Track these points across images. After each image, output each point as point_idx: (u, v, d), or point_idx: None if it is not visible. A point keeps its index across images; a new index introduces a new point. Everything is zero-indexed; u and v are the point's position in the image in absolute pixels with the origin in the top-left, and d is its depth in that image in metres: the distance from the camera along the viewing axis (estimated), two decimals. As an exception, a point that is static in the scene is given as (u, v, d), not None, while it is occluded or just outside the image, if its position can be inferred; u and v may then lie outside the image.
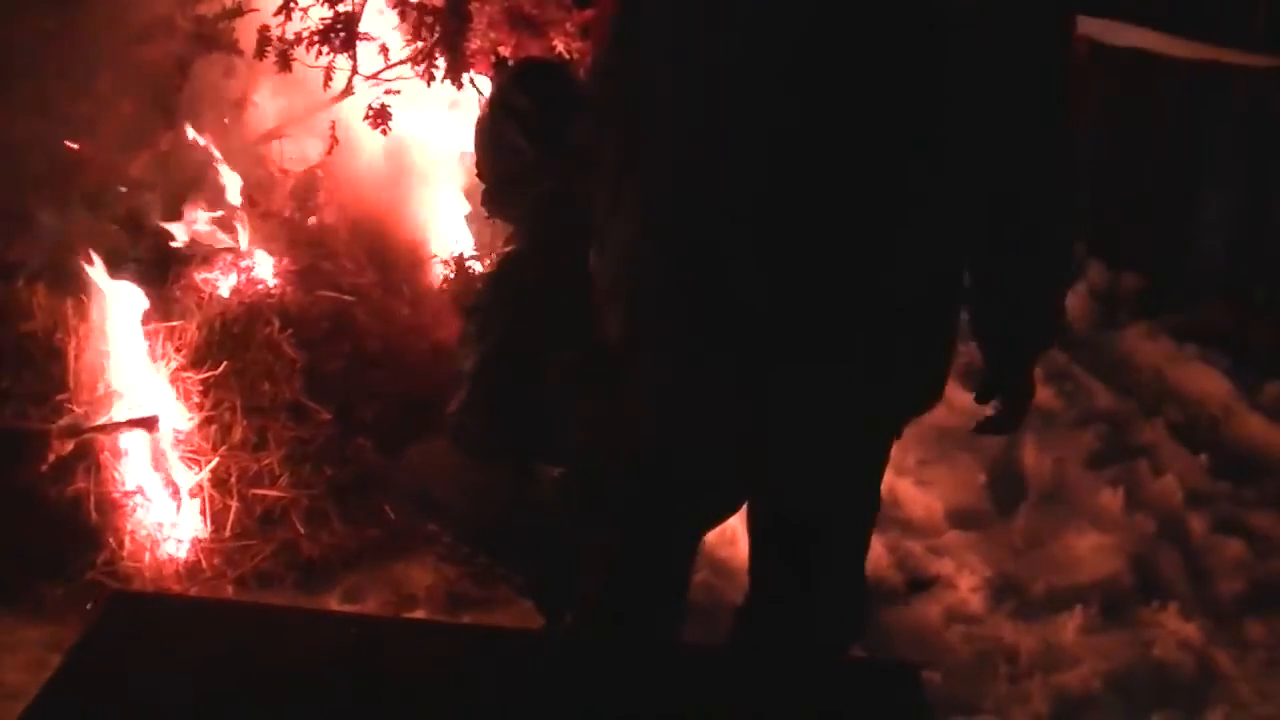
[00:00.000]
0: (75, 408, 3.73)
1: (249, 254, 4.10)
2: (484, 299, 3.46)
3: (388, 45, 4.10)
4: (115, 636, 2.32)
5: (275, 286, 4.08)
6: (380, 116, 3.99)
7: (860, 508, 2.80)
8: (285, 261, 4.13)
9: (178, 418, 3.82)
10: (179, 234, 4.04)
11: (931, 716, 2.26)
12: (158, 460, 3.80)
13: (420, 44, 4.07)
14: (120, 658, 2.26)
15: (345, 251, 4.23)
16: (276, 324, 3.91)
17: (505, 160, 3.41)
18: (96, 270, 3.80)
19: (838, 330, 2.44)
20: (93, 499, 3.70)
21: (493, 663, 2.28)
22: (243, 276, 4.07)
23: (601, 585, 2.81)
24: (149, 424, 3.76)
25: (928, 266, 2.44)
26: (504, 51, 4.15)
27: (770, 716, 2.17)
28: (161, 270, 3.96)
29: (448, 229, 4.53)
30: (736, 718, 2.17)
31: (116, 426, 3.74)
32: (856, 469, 2.71)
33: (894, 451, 4.41)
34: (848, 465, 2.67)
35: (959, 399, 4.91)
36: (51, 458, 3.68)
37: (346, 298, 4.10)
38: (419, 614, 3.63)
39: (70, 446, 3.69)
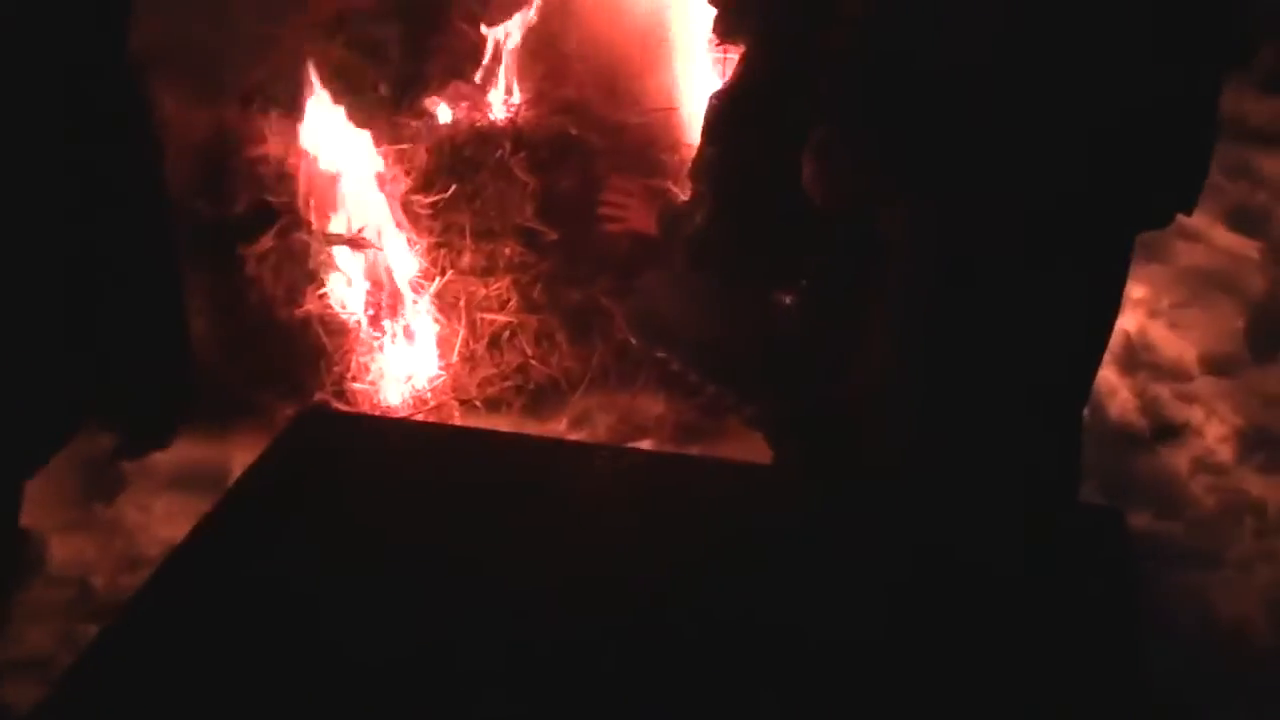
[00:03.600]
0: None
1: (483, 80, 4.19)
2: (716, 123, 3.52)
3: None
4: (295, 451, 2.47)
5: (507, 108, 4.17)
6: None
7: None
8: (518, 86, 4.21)
9: (406, 241, 3.98)
10: (417, 63, 4.15)
11: (1134, 563, 2.30)
12: (385, 284, 3.97)
13: None
14: (299, 471, 2.40)
15: (578, 77, 4.28)
16: (508, 147, 4.01)
17: None
18: (330, 96, 3.95)
19: None
20: (321, 322, 3.91)
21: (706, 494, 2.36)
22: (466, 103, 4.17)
23: None
24: (366, 243, 3.94)
25: None
26: None
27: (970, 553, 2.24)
28: (397, 97, 4.08)
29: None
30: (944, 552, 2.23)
31: (335, 239, 3.96)
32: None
33: (1147, 292, 4.47)
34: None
35: (1221, 239, 4.93)
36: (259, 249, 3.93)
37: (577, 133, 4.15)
38: (647, 443, 3.77)
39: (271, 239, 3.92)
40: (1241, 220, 5.06)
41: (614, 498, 2.34)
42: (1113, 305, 2.87)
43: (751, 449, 3.57)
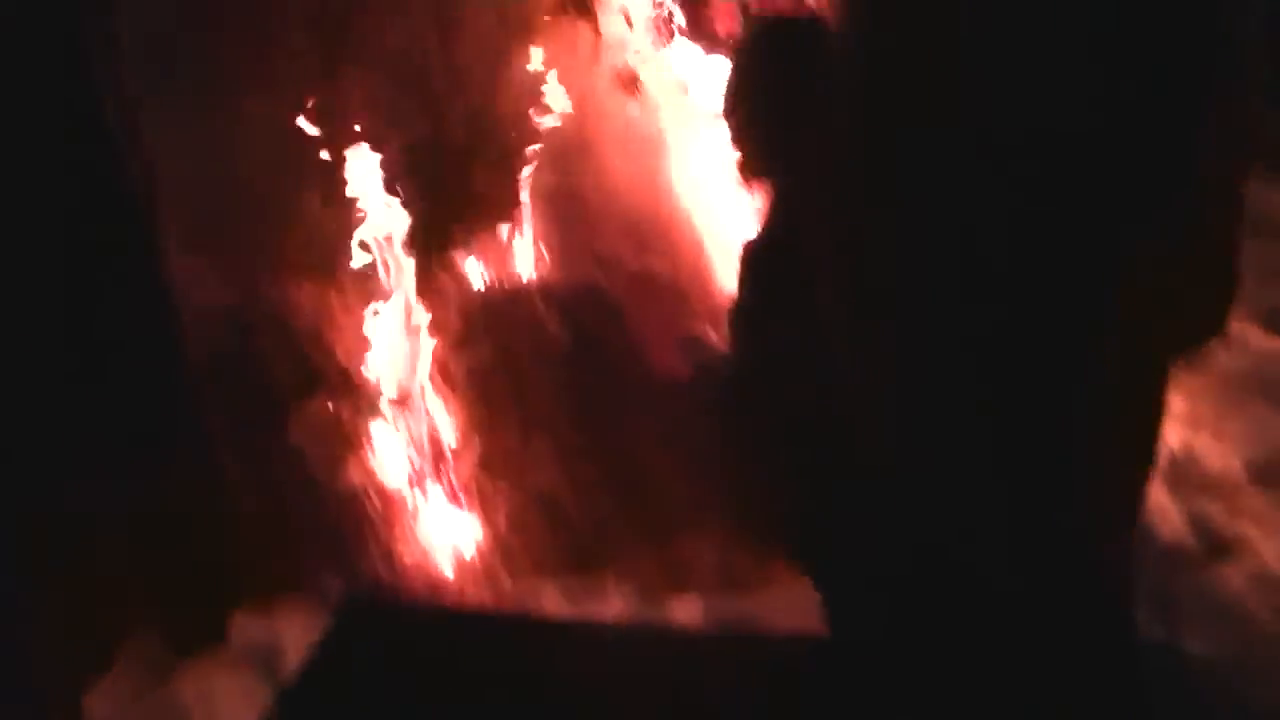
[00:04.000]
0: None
1: (511, 235, 4.25)
2: (750, 271, 3.55)
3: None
4: (345, 644, 2.49)
5: (537, 265, 4.22)
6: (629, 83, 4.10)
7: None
8: (546, 240, 4.26)
9: (444, 404, 4.01)
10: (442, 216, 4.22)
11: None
12: (426, 448, 4.00)
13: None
14: (350, 664, 2.42)
15: (603, 224, 4.33)
16: (540, 305, 4.04)
17: (756, 122, 3.50)
18: (359, 258, 4.00)
19: None
20: (366, 490, 3.93)
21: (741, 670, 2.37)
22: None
23: None
24: (407, 406, 3.95)
25: None
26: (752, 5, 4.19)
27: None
28: (425, 256, 4.13)
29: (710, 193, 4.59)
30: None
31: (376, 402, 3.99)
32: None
33: (1187, 403, 4.43)
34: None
35: (1257, 342, 4.89)
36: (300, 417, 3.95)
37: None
38: (693, 595, 3.75)
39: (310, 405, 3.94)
40: (1275, 321, 5.03)
41: (656, 679, 2.35)
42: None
43: (794, 594, 3.56)
